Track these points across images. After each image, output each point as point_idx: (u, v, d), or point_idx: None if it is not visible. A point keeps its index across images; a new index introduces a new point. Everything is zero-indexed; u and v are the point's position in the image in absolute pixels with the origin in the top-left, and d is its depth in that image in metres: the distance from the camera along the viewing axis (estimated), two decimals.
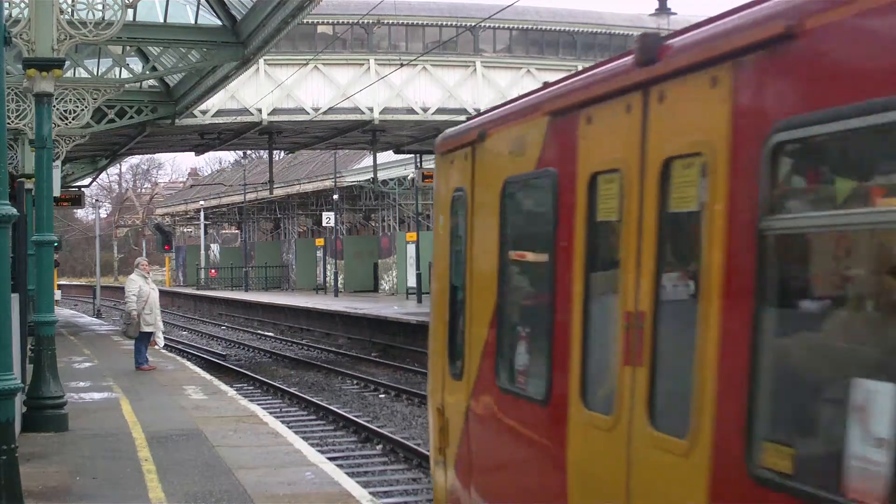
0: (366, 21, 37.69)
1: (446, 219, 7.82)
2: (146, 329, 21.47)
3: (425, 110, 37.81)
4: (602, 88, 5.43)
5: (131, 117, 29.59)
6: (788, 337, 4.14)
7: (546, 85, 6.39)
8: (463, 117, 8.27)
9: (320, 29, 39.76)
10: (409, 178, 48.08)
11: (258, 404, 18.71)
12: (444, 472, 7.60)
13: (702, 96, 4.51)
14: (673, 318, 4.76)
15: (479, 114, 7.68)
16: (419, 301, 41.82)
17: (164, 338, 26.39)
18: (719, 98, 4.38)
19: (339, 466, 12.92)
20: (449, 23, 40.64)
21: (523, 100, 6.62)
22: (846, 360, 3.93)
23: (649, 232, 4.83)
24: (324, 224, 59.67)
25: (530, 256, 6.70)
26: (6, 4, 14.16)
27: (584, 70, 5.94)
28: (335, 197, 56.26)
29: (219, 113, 35.49)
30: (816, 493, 3.71)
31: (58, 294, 44.22)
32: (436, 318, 7.88)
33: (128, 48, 24.66)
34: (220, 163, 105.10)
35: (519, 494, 6.33)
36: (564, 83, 6.09)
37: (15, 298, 10.81)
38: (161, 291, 65.04)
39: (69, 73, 22.15)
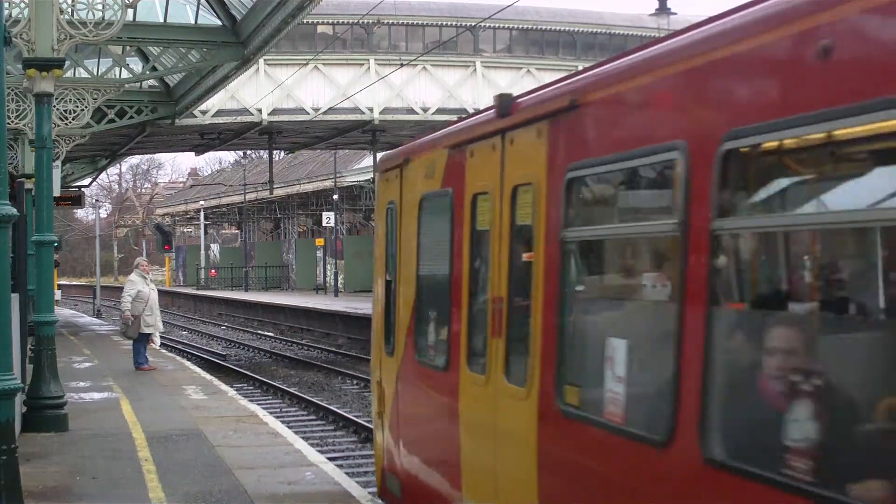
0: (366, 21, 37.70)
1: (382, 225, 9.74)
2: (146, 330, 21.47)
3: (425, 110, 37.82)
4: (479, 131, 7.37)
5: (131, 117, 29.60)
6: (575, 313, 6.15)
7: (449, 123, 8.37)
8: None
9: (320, 29, 39.78)
10: None
11: (258, 404, 18.71)
12: (382, 432, 9.43)
13: (532, 142, 6.36)
14: (519, 301, 6.65)
15: (407, 143, 9.92)
16: None
17: (164, 337, 26.49)
18: (540, 144, 6.23)
19: (339, 466, 12.92)
20: (449, 23, 40.66)
21: (434, 135, 8.65)
22: (603, 326, 5.98)
23: (505, 238, 6.79)
24: (324, 224, 59.66)
25: (437, 257, 8.37)
26: (6, 4, 14.16)
27: (470, 115, 8.52)
28: (335, 197, 56.28)
29: (219, 113, 35.51)
30: (590, 417, 5.67)
31: (58, 294, 44.21)
32: (376, 309, 9.71)
33: (128, 48, 24.66)
34: (220, 163, 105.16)
35: (430, 440, 8.48)
36: (458, 125, 8.27)
37: (15, 298, 10.82)
38: (161, 291, 64.99)
39: (69, 73, 22.15)
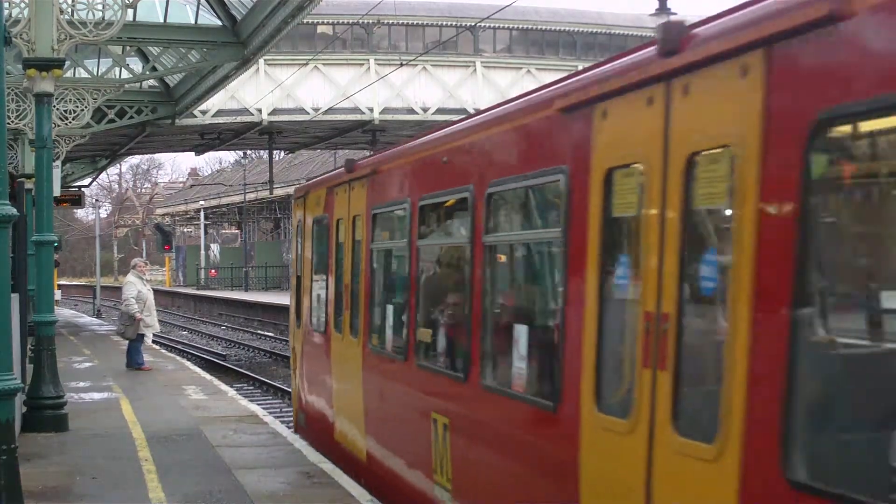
0: (366, 21, 37.71)
1: (294, 237, 14.17)
2: (144, 330, 21.64)
3: (425, 110, 37.81)
4: (337, 181, 11.63)
5: (131, 117, 29.60)
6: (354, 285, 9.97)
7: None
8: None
9: (320, 29, 39.78)
10: None
11: (258, 404, 18.71)
12: (294, 382, 14.34)
13: (357, 190, 10.88)
14: (356, 287, 10.80)
15: (308, 181, 14.64)
16: None
17: (164, 337, 26.59)
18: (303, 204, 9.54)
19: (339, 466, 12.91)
20: (449, 23, 40.65)
21: (321, 178, 13.15)
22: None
23: (348, 248, 10.81)
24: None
25: (321, 260, 12.74)
26: (6, 4, 14.16)
27: (334, 170, 12.86)
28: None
29: (219, 113, 35.50)
30: (385, 352, 9.40)
31: (58, 294, 44.19)
32: (291, 296, 14.44)
33: (128, 48, 24.66)
34: (220, 163, 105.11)
35: (317, 382, 12.60)
36: (330, 175, 12.81)
37: (15, 298, 10.82)
38: (161, 291, 64.77)
39: (69, 73, 22.15)
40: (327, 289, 12.02)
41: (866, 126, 4.03)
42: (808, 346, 4.09)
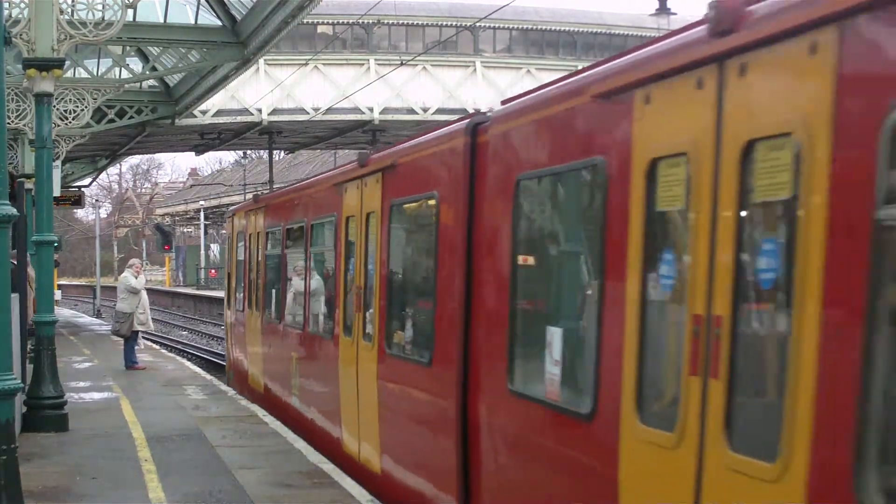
0: (366, 21, 37.69)
1: (226, 246, 21.05)
2: (138, 328, 21.79)
3: (425, 110, 37.80)
4: (251, 207, 17.00)
5: (131, 117, 29.58)
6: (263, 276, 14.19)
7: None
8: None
9: (320, 29, 39.76)
10: None
11: (258, 404, 18.70)
12: (227, 349, 20.07)
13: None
14: (253, 273, 17.62)
15: (242, 203, 21.03)
16: None
17: (164, 337, 26.70)
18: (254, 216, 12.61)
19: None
20: (449, 23, 40.63)
21: (241, 205, 18.81)
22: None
23: (255, 254, 17.32)
24: None
25: (245, 261, 18.13)
26: (6, 4, 14.16)
27: (266, 194, 19.95)
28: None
29: (219, 113, 35.49)
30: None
31: (58, 294, 44.13)
32: (227, 287, 20.37)
33: (128, 48, 24.65)
34: (220, 163, 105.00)
35: (238, 346, 18.44)
36: (244, 204, 19.25)
37: (15, 298, 10.81)
38: (161, 291, 64.75)
39: (69, 73, 22.14)
40: (242, 282, 18.77)
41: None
42: (887, 351, 3.76)
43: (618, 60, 6.03)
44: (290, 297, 14.76)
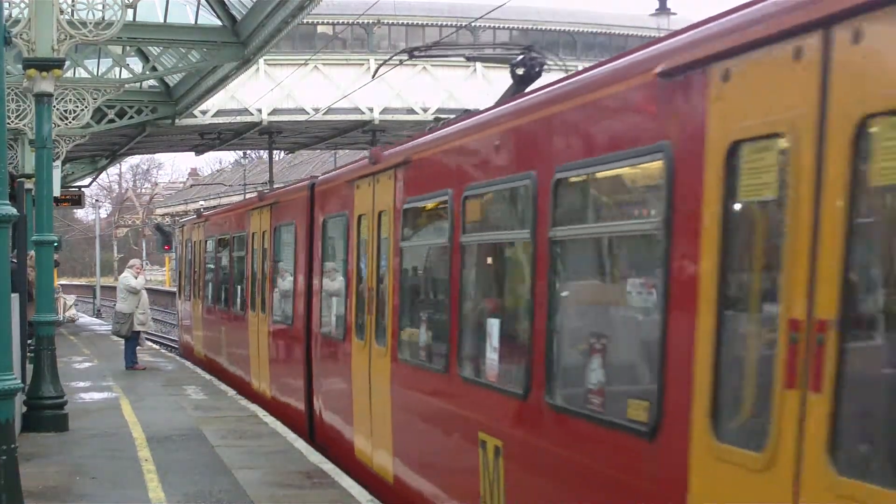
0: (366, 21, 37.67)
1: (181, 249, 27.85)
2: (138, 328, 21.78)
3: (425, 110, 37.77)
4: (192, 223, 26.30)
5: (131, 117, 29.57)
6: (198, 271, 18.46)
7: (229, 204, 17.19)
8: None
9: (320, 29, 39.75)
10: None
11: (258, 404, 18.69)
12: (178, 328, 29.00)
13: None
14: (211, 269, 23.43)
15: (189, 218, 28.56)
16: None
17: (164, 337, 26.80)
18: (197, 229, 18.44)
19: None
20: (449, 23, 40.62)
21: (189, 219, 25.57)
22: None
23: (198, 255, 24.40)
24: None
25: (191, 263, 25.42)
26: (6, 4, 14.15)
27: (204, 212, 26.11)
28: None
29: (219, 113, 35.47)
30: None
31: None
32: (178, 281, 29.27)
33: (128, 48, 24.63)
34: (220, 163, 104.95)
35: (186, 325, 26.08)
36: (189, 219, 27.37)
37: (15, 298, 10.81)
38: (161, 291, 64.67)
39: (69, 73, 22.12)
40: (197, 275, 24.59)
41: None
42: None
43: (680, 37, 5.39)
44: (211, 286, 23.05)
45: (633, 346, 6.02)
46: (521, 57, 9.81)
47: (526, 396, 6.71)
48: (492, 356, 7.46)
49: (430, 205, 8.97)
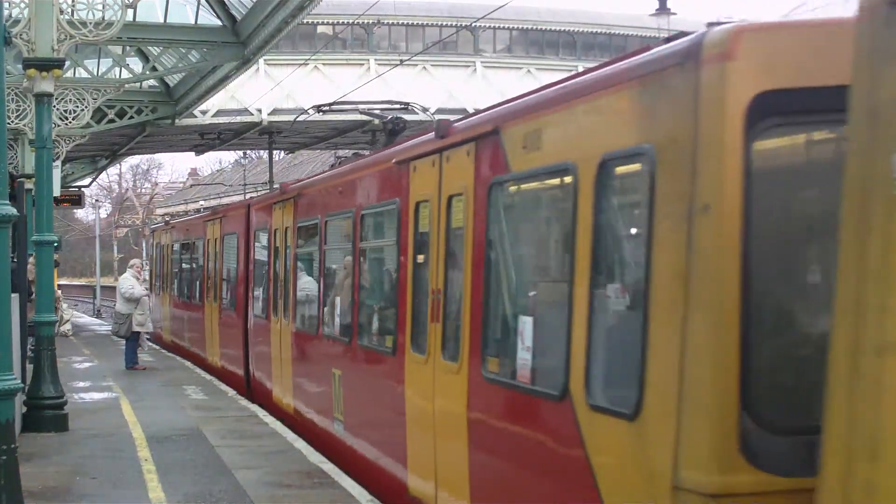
0: (366, 21, 37.68)
1: (155, 252, 31.70)
2: (137, 328, 21.75)
3: (425, 110, 37.74)
4: (161, 233, 30.21)
5: (131, 117, 29.58)
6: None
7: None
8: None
9: (320, 29, 39.75)
10: None
11: (258, 404, 18.69)
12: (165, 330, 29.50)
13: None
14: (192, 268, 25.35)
15: (158, 225, 34.16)
16: None
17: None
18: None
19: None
20: (449, 23, 40.63)
21: (158, 226, 31.47)
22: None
23: (167, 255, 28.86)
24: None
25: (161, 260, 29.91)
26: (6, 4, 14.16)
27: (172, 221, 31.47)
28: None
29: (219, 113, 35.48)
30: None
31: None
32: (150, 279, 29.67)
33: (128, 48, 24.64)
34: (220, 163, 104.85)
35: (162, 320, 28.60)
36: (161, 227, 31.63)
37: (15, 298, 10.81)
38: None
39: (69, 73, 22.13)
40: (169, 273, 28.35)
41: None
42: None
43: None
44: (176, 282, 27.26)
45: (389, 308, 10.32)
46: (389, 116, 13.94)
47: (350, 340, 11.47)
48: (336, 320, 12.45)
49: (314, 224, 13.69)
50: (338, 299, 12.32)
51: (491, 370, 7.53)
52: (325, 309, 12.82)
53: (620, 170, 6.05)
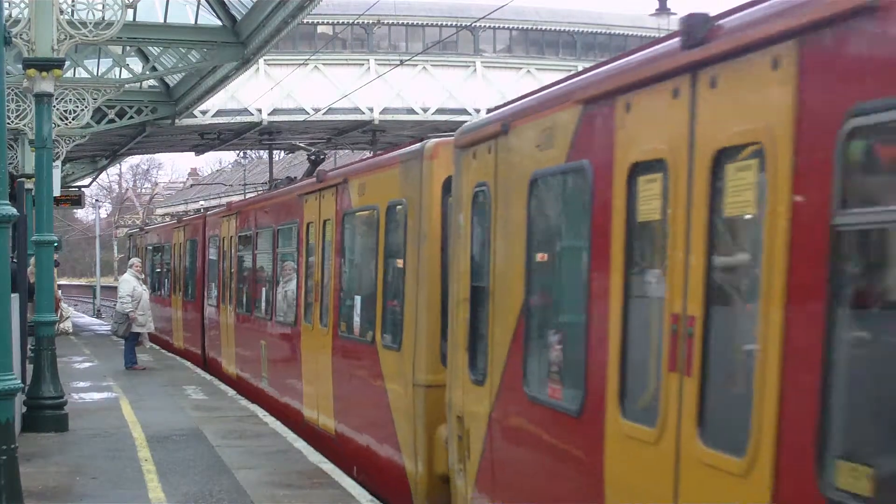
0: (366, 21, 37.67)
1: (132, 252, 36.97)
2: (137, 329, 21.70)
3: (425, 110, 37.79)
4: (135, 240, 37.87)
5: (131, 117, 29.57)
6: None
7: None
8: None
9: (320, 29, 39.75)
10: None
11: (258, 404, 18.70)
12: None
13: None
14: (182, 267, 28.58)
15: (134, 230, 40.31)
16: None
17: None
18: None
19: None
20: (449, 23, 40.62)
21: (132, 232, 38.81)
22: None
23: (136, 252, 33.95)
24: None
25: (148, 261, 31.80)
26: (6, 4, 14.16)
27: (146, 227, 37.87)
28: None
29: (219, 113, 35.47)
30: (349, 336, 12.11)
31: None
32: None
33: (128, 48, 24.63)
34: (220, 163, 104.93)
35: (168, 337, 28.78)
36: (136, 230, 39.00)
37: (15, 298, 10.81)
38: None
39: (69, 73, 22.13)
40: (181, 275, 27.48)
41: None
42: None
43: None
44: (150, 278, 29.57)
45: (291, 294, 14.94)
46: (313, 149, 18.94)
47: (271, 318, 16.15)
48: (263, 304, 17.10)
49: (249, 234, 18.42)
50: (263, 289, 17.36)
51: (342, 331, 12.35)
52: (256, 297, 17.90)
53: (393, 210, 10.64)
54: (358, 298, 11.72)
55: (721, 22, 4.70)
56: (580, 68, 7.38)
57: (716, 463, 4.44)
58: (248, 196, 36.54)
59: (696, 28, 4.74)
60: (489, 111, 8.35)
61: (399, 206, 10.25)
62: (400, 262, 10.28)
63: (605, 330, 5.32)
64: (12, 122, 21.41)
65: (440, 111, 37.14)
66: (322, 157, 17.73)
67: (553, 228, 6.64)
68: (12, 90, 20.66)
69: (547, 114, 6.39)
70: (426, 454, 9.39)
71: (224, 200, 78.08)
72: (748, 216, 4.55)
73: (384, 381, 10.46)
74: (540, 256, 6.66)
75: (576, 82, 6.23)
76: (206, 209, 26.21)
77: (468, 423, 7.69)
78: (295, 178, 18.37)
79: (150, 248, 32.24)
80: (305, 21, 24.84)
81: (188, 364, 23.62)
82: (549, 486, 6.23)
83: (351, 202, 12.01)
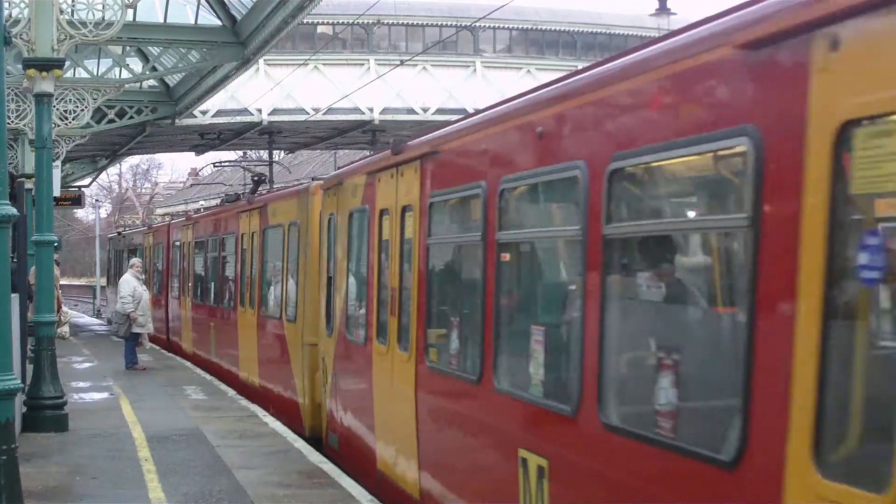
0: (365, 21, 37.67)
1: (111, 254, 45.00)
2: (137, 329, 21.70)
3: (425, 110, 37.78)
4: (133, 233, 40.18)
5: (131, 117, 29.57)
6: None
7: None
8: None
9: (320, 29, 39.75)
10: None
11: (258, 404, 18.70)
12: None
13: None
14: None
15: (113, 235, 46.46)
16: None
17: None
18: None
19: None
20: (449, 23, 40.61)
21: (109, 235, 47.53)
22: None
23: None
24: None
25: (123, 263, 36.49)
26: (6, 4, 14.16)
27: (126, 231, 43.99)
28: None
29: (219, 113, 35.48)
30: (271, 315, 17.20)
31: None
32: (107, 276, 45.85)
33: (128, 48, 24.62)
34: (220, 163, 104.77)
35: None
36: (113, 233, 46.18)
37: (15, 298, 10.81)
38: None
39: (69, 73, 22.12)
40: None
41: None
42: None
43: None
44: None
45: (230, 285, 20.56)
46: (257, 169, 27.70)
47: (217, 305, 21.67)
48: (212, 294, 22.13)
49: (203, 240, 22.99)
50: (212, 283, 22.39)
51: (268, 311, 17.13)
52: (208, 288, 22.88)
53: (292, 229, 15.53)
54: (271, 288, 17.18)
55: (252, 198, 19.52)
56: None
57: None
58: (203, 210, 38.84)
59: (250, 199, 19.35)
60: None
61: (294, 226, 15.54)
62: (295, 261, 15.51)
63: (372, 296, 10.49)
64: (12, 122, 21.40)
65: (440, 111, 37.12)
66: (263, 178, 24.29)
67: (358, 241, 11.43)
68: (12, 90, 20.66)
69: (354, 177, 11.57)
70: (310, 391, 14.26)
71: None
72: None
73: (288, 344, 15.59)
74: (354, 258, 11.67)
75: (364, 163, 11.84)
76: (206, 209, 30.75)
77: (326, 361, 12.63)
78: (239, 195, 23.73)
79: (127, 250, 36.86)
80: (305, 21, 24.84)
81: (188, 364, 23.64)
82: (356, 387, 11.22)
83: (268, 220, 17.44)
